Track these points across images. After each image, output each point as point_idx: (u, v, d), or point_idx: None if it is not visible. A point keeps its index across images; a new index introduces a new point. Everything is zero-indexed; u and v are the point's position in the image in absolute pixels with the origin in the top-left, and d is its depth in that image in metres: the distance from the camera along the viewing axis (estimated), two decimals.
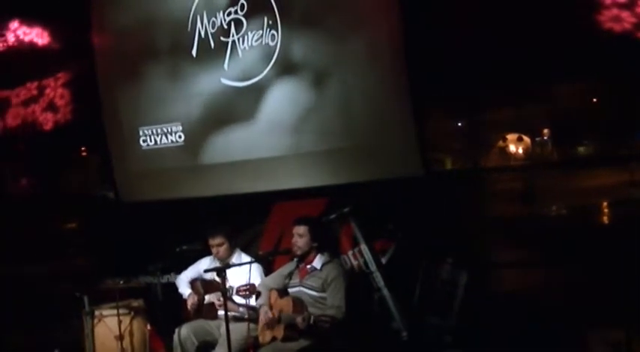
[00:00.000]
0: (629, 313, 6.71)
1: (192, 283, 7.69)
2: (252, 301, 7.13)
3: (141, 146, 9.06)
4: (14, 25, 10.38)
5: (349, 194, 7.89)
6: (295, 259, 7.12)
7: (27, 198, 11.27)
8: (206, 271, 7.31)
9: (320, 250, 7.05)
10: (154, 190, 9.11)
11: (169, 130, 8.83)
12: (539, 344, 6.88)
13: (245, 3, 8.25)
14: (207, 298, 7.51)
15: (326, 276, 6.86)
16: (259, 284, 7.17)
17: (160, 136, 8.90)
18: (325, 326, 6.39)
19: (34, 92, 10.47)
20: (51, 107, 10.30)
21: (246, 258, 7.55)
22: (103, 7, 9.19)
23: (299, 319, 6.48)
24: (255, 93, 8.27)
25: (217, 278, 6.65)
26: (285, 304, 6.81)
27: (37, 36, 10.38)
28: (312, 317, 6.44)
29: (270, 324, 6.87)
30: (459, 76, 7.67)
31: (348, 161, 7.93)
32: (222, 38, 8.44)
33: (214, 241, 7.52)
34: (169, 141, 8.86)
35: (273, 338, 6.82)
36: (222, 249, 7.51)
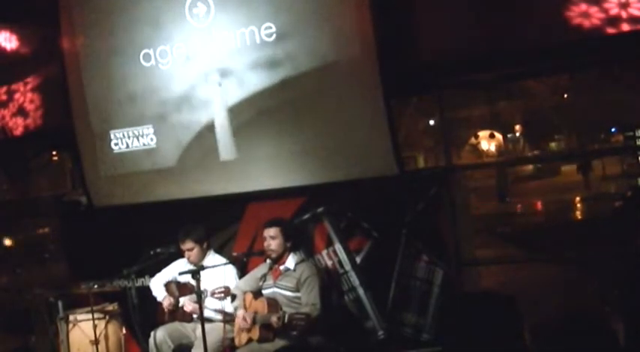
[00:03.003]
0: (608, 306, 6.76)
1: (167, 286, 7.67)
2: (227, 303, 7.12)
3: (112, 149, 8.99)
4: None
5: (324, 194, 7.90)
6: (268, 261, 7.12)
7: None
8: (180, 274, 7.29)
9: (292, 250, 7.05)
10: (126, 194, 9.04)
11: (141, 133, 8.78)
12: (517, 341, 6.91)
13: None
14: (182, 300, 7.48)
15: (299, 275, 6.87)
16: (234, 288, 7.17)
17: (131, 139, 8.84)
18: (300, 324, 6.39)
19: (4, 97, 10.40)
20: (21, 112, 10.23)
21: (220, 259, 7.55)
22: (71, 9, 9.10)
23: (274, 318, 6.49)
24: (228, 94, 8.23)
25: (192, 281, 6.64)
26: (260, 305, 6.82)
27: (5, 40, 10.31)
28: (286, 316, 6.45)
29: (246, 328, 6.87)
30: (431, 74, 7.71)
31: (322, 161, 7.92)
32: (194, 39, 8.41)
33: (185, 246, 7.53)
34: (141, 144, 8.81)
35: (249, 340, 6.82)
36: (194, 254, 7.51)
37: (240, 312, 6.96)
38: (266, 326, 6.64)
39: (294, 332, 6.53)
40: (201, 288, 6.55)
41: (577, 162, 24.46)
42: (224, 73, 8.22)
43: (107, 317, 7.97)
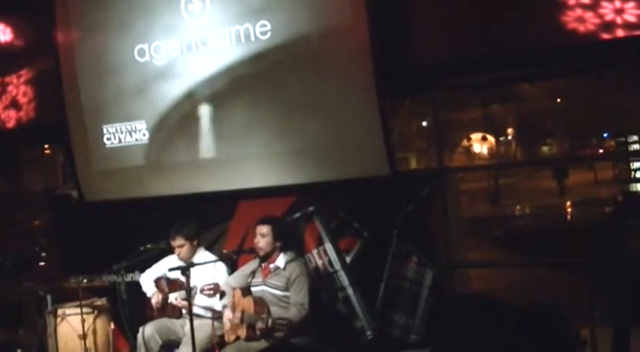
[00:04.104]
0: (596, 311, 6.76)
1: (157, 282, 7.64)
2: (217, 300, 7.11)
3: (105, 144, 8.97)
4: None
5: (315, 193, 7.90)
6: (257, 258, 7.12)
7: None
8: (170, 270, 7.27)
9: (283, 249, 7.05)
10: (118, 189, 9.03)
11: (133, 128, 8.76)
12: (505, 343, 6.91)
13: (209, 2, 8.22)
14: (172, 297, 7.47)
15: (289, 275, 6.87)
16: (223, 284, 7.16)
17: (124, 134, 8.83)
18: (282, 329, 6.42)
19: None
20: (13, 105, 10.20)
21: (210, 256, 7.53)
22: (67, 3, 9.08)
23: (259, 324, 6.50)
24: (221, 92, 8.23)
25: (182, 277, 6.63)
26: (247, 304, 6.81)
27: None
28: (269, 320, 6.45)
29: (234, 327, 6.86)
30: (424, 76, 7.70)
31: (314, 160, 7.91)
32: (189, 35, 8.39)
33: (175, 242, 7.52)
34: (133, 139, 8.79)
35: (237, 338, 6.81)
36: (184, 250, 7.50)
37: (228, 313, 6.96)
38: (253, 326, 6.63)
39: (278, 335, 6.55)
40: (191, 285, 6.55)
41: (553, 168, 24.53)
42: (221, 73, 8.20)
43: (96, 311, 7.94)
